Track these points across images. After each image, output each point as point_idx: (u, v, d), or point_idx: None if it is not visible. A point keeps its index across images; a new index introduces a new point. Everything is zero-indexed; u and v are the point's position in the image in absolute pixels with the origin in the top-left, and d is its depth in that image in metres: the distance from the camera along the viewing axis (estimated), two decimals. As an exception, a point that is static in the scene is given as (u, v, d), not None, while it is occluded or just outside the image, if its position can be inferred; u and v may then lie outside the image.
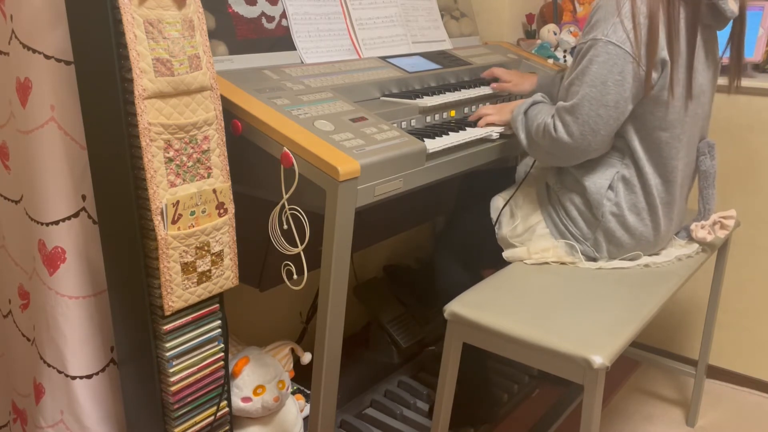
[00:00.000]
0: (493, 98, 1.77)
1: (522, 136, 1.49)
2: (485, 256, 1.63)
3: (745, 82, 1.93)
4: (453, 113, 1.62)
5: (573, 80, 1.39)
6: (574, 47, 2.21)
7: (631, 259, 1.52)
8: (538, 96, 1.54)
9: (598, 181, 1.46)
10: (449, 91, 1.69)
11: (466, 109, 1.69)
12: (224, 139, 1.21)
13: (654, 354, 2.19)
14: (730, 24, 1.47)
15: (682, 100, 1.42)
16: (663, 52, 1.36)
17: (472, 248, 1.69)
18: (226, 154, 1.21)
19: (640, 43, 1.34)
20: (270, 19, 1.54)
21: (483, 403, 1.89)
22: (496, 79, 1.81)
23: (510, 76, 1.79)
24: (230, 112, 1.26)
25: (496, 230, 1.59)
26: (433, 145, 1.37)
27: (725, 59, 1.55)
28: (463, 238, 1.71)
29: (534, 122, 1.46)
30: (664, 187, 1.48)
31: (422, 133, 1.43)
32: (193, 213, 1.17)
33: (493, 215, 1.60)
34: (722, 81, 1.60)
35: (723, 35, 1.52)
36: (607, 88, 1.35)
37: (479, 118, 1.59)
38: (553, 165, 1.52)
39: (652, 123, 1.42)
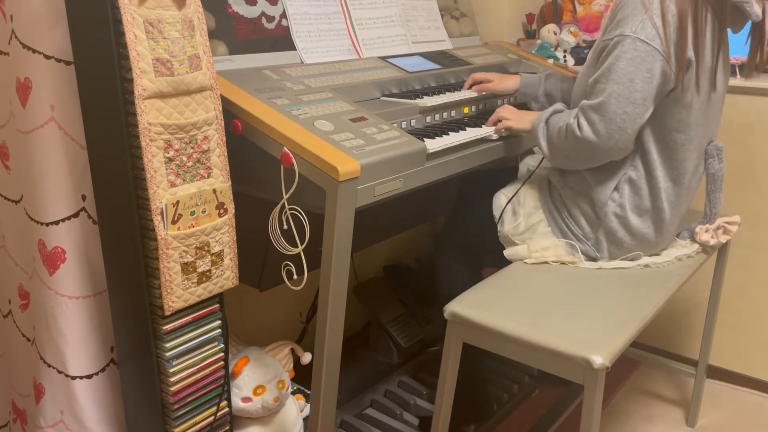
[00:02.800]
0: (492, 98, 1.77)
1: (543, 143, 1.48)
2: (486, 255, 1.63)
3: (746, 82, 1.94)
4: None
5: (599, 78, 1.37)
6: (575, 47, 2.21)
7: (631, 259, 1.52)
8: (558, 105, 1.53)
9: (604, 182, 1.46)
10: (449, 91, 1.69)
11: (465, 109, 1.69)
12: (224, 139, 1.21)
13: (654, 354, 2.19)
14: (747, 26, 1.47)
15: (703, 102, 1.42)
16: (690, 52, 1.35)
17: (473, 246, 1.69)
18: (226, 154, 1.21)
19: (670, 41, 1.33)
20: (270, 19, 1.54)
21: (480, 402, 1.89)
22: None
23: (492, 76, 1.75)
24: (230, 112, 1.26)
25: (498, 228, 1.59)
26: (433, 145, 1.37)
27: (739, 59, 1.54)
28: (463, 236, 1.71)
29: (555, 127, 1.45)
30: (673, 190, 1.47)
31: (422, 133, 1.43)
32: (193, 213, 1.17)
33: (496, 212, 1.60)
34: (731, 81, 1.60)
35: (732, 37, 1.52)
36: (635, 85, 1.33)
37: (498, 120, 1.57)
38: (575, 168, 1.50)
39: (670, 124, 1.41)
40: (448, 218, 1.78)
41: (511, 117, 1.57)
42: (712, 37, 1.40)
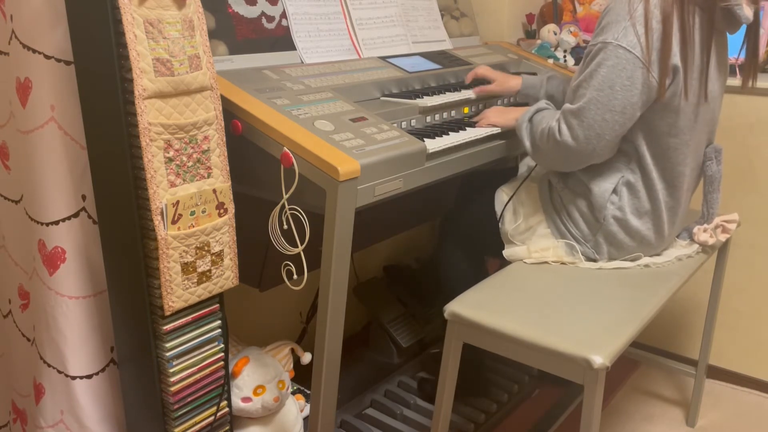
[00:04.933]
0: (492, 97, 1.77)
1: (527, 143, 1.48)
2: (489, 245, 1.63)
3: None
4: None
5: (581, 83, 1.37)
6: (575, 47, 2.21)
7: (631, 260, 1.52)
8: (542, 103, 1.52)
9: (602, 185, 1.45)
10: (449, 91, 1.69)
11: (466, 109, 1.69)
12: (224, 139, 1.21)
13: (654, 354, 2.20)
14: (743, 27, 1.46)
15: (693, 106, 1.41)
16: (675, 59, 1.34)
17: (476, 237, 1.69)
18: (226, 154, 1.21)
19: (652, 48, 1.32)
20: (270, 19, 1.54)
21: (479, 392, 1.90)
22: (481, 82, 1.77)
23: (495, 75, 1.75)
24: (230, 112, 1.26)
25: (499, 225, 1.59)
26: (433, 145, 1.37)
27: (738, 59, 1.53)
28: (466, 228, 1.71)
29: (538, 128, 1.45)
30: (669, 192, 1.47)
31: (422, 133, 1.43)
32: (193, 213, 1.17)
33: (498, 208, 1.59)
34: (731, 81, 1.59)
35: (731, 36, 1.51)
36: (615, 92, 1.33)
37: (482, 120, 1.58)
38: (557, 170, 1.51)
39: (661, 129, 1.41)
40: (450, 213, 1.78)
41: (494, 113, 1.58)
42: (702, 40, 1.38)
